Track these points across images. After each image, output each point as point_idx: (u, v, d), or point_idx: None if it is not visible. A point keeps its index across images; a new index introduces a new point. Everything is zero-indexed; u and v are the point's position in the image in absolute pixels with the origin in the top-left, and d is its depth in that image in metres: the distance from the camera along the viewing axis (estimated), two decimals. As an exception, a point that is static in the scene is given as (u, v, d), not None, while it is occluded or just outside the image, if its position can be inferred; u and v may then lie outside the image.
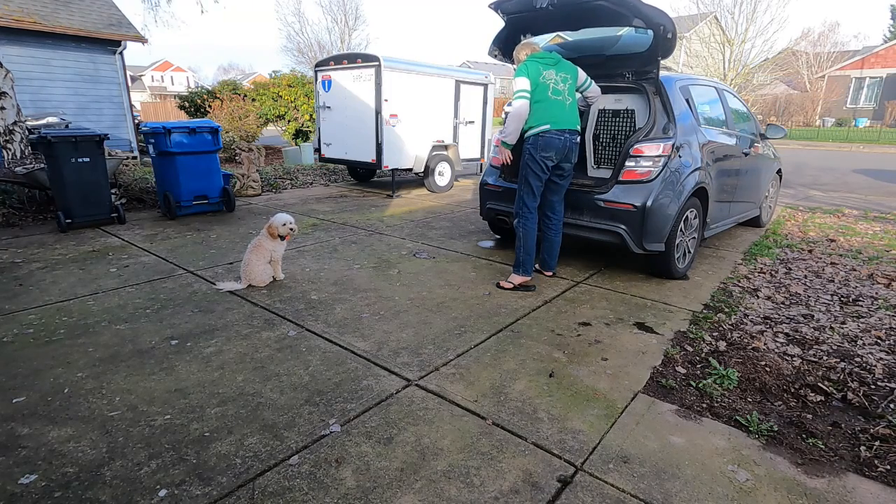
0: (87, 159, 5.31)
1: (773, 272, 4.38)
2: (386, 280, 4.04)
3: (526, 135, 3.74)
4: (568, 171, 3.84)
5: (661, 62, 3.96)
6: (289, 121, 14.14)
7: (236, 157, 11.30)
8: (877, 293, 3.88)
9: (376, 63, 7.37)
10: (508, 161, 3.92)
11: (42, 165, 5.71)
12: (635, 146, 3.87)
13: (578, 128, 3.77)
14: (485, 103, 9.21)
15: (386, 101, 7.46)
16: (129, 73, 12.91)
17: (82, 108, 11.23)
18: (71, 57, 11.20)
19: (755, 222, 6.13)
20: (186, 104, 15.32)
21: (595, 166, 4.77)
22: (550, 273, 4.18)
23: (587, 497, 1.80)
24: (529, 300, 3.66)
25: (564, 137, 3.67)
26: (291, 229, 3.85)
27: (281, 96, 14.00)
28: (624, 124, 4.51)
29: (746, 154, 5.08)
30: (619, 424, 2.22)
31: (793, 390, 2.51)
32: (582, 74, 3.87)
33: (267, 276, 3.83)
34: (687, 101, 4.26)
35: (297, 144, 13.87)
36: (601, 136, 4.66)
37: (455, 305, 3.54)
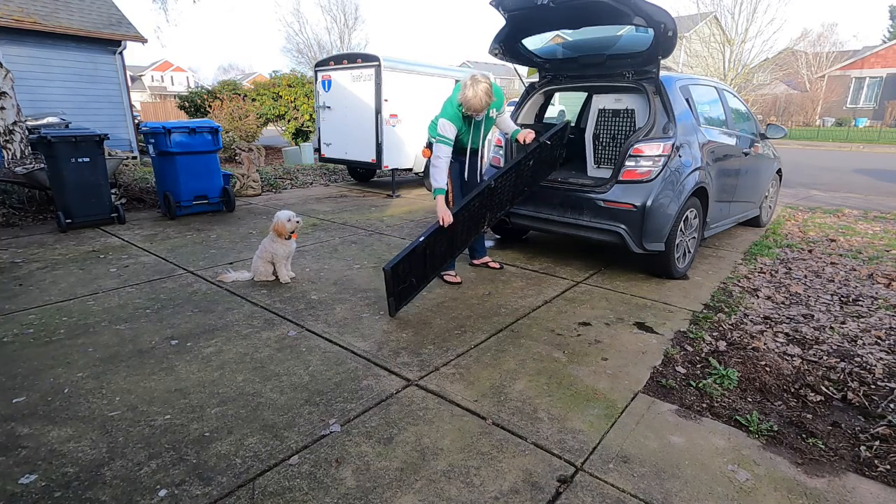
0: (87, 159, 5.31)
1: (773, 272, 4.38)
2: (386, 280, 4.03)
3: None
4: None
5: (661, 62, 3.96)
6: (289, 121, 14.15)
7: (236, 157, 11.30)
8: (877, 293, 3.88)
9: (376, 63, 7.37)
10: None
11: (42, 165, 5.71)
12: (635, 146, 3.86)
13: None
14: (485, 103, 9.21)
15: (386, 101, 7.46)
16: (129, 73, 12.91)
17: (81, 108, 11.21)
18: (70, 57, 11.19)
19: (755, 222, 6.13)
20: (186, 104, 15.33)
21: (595, 166, 4.77)
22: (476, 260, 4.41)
23: (587, 497, 1.80)
24: (529, 300, 3.66)
25: None
26: (297, 222, 3.90)
27: (281, 96, 14.00)
28: (624, 124, 4.51)
29: (746, 154, 5.08)
30: (619, 424, 2.22)
31: (793, 390, 2.51)
32: None
33: (266, 273, 3.92)
34: (687, 100, 4.26)
35: (297, 144, 13.87)
36: (601, 135, 4.66)
37: (455, 305, 3.54)
